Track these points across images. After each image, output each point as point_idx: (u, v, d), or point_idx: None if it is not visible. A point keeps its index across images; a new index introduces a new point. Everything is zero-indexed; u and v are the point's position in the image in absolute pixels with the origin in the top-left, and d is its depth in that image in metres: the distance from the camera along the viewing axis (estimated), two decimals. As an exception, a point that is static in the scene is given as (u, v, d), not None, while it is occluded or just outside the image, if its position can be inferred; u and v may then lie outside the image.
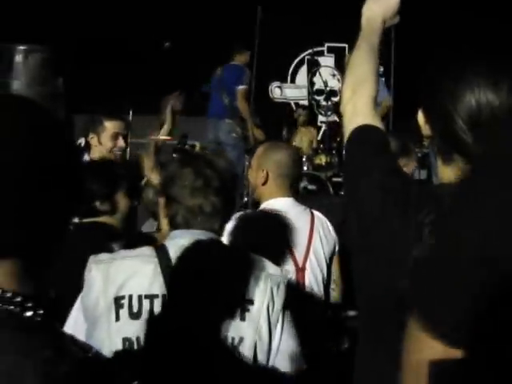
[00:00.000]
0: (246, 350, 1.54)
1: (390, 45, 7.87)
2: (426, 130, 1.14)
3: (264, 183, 2.54)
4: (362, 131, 1.19)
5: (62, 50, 3.92)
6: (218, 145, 6.23)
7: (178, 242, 1.62)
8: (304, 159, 6.92)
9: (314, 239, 2.48)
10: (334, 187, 6.45)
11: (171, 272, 1.56)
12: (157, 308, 1.53)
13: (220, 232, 1.72)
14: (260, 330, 1.55)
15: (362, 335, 1.17)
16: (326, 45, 9.37)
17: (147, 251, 1.62)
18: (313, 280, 2.44)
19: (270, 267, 1.67)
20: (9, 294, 0.73)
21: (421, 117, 1.14)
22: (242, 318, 1.55)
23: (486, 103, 1.01)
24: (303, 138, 7.70)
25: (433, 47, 6.86)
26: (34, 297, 0.75)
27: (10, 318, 0.72)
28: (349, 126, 1.22)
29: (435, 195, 1.02)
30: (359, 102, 1.23)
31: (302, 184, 6.42)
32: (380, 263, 1.07)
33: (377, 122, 1.20)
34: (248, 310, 1.55)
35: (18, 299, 0.73)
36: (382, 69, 6.58)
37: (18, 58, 3.38)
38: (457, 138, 1.03)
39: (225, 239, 1.95)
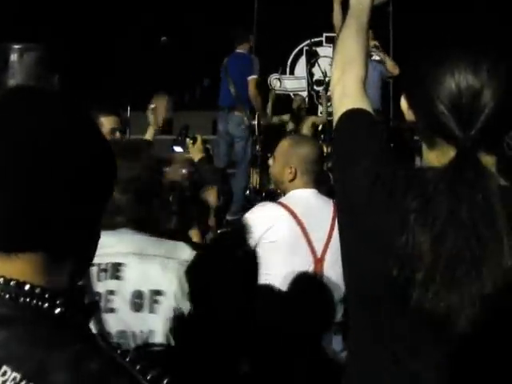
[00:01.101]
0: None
1: (388, 24, 7.81)
2: (409, 115, 1.13)
3: (292, 180, 2.57)
4: (351, 116, 1.17)
5: (58, 48, 3.92)
6: (228, 136, 6.27)
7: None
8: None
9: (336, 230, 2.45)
10: (334, 177, 6.43)
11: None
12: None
13: (140, 227, 1.62)
14: (170, 320, 1.49)
15: (352, 322, 1.17)
16: (325, 35, 9.29)
17: None
18: (332, 271, 2.42)
19: (183, 253, 1.59)
20: (38, 290, 0.72)
21: (403, 102, 1.14)
22: (152, 311, 1.49)
23: (466, 86, 1.01)
24: (306, 127, 7.68)
25: (431, 27, 6.80)
26: (63, 293, 0.75)
27: (40, 314, 0.72)
28: (337, 110, 1.20)
29: (421, 180, 1.01)
30: (348, 81, 1.22)
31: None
32: (367, 250, 1.07)
33: (365, 104, 1.19)
34: (157, 302, 1.49)
35: (47, 295, 0.73)
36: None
37: (13, 56, 3.37)
38: (438, 122, 1.03)
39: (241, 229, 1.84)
